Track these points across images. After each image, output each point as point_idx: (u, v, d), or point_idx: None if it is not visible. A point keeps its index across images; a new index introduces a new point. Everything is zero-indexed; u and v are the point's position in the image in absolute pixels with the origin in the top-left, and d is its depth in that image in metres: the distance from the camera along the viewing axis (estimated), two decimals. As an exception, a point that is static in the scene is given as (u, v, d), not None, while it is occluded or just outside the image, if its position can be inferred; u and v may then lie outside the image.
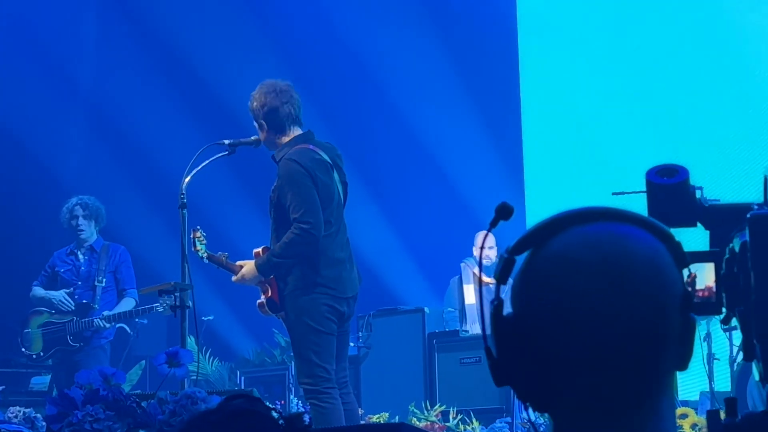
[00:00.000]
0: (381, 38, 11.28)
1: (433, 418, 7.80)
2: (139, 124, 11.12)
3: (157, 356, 4.04)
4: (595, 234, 1.31)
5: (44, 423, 4.45)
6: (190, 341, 6.77)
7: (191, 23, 11.37)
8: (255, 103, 5.30)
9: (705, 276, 1.58)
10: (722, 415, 1.44)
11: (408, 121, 11.26)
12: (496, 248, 9.29)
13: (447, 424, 7.77)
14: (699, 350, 6.91)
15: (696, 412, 6.68)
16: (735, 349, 6.87)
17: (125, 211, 9.83)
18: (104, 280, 7.65)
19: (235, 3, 11.70)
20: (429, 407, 7.92)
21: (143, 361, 9.09)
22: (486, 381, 6.62)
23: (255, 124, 5.37)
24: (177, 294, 5.18)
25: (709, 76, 9.87)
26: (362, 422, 6.63)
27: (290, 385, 8.92)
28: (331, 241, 5.19)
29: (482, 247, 9.16)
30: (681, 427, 6.41)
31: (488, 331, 1.35)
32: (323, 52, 11.58)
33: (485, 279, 9.24)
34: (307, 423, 1.55)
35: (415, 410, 7.90)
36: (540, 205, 10.88)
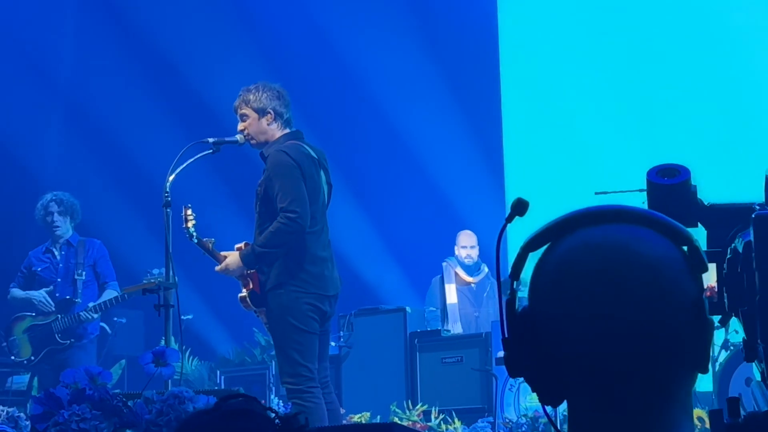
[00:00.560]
0: (362, 37, 11.28)
1: (415, 418, 7.81)
2: (119, 122, 11.07)
3: (143, 355, 4.03)
4: (601, 237, 1.31)
5: (28, 422, 4.43)
6: (171, 340, 6.75)
7: (173, 20, 11.34)
8: (247, 104, 5.31)
9: (707, 276, 1.59)
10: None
11: (389, 120, 11.27)
12: (478, 248, 9.32)
13: (429, 423, 7.78)
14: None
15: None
16: (717, 349, 6.91)
17: (107, 209, 9.81)
18: (84, 273, 7.59)
19: (217, 0, 11.69)
20: (411, 407, 7.93)
21: (123, 360, 9.07)
22: (467, 380, 6.67)
23: (243, 118, 5.35)
24: (161, 293, 5.17)
25: (692, 74, 9.92)
26: (344, 422, 6.63)
27: (271, 385, 8.92)
28: (316, 238, 5.20)
29: (464, 246, 9.28)
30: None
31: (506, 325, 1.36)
32: (306, 52, 11.58)
33: (466, 278, 9.27)
34: (303, 423, 1.55)
35: (396, 410, 7.91)
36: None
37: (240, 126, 5.39)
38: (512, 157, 11.10)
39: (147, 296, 5.26)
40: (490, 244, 10.09)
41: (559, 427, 1.44)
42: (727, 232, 1.65)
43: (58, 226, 7.66)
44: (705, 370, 1.30)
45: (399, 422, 7.52)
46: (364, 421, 7.60)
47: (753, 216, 1.45)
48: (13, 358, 7.52)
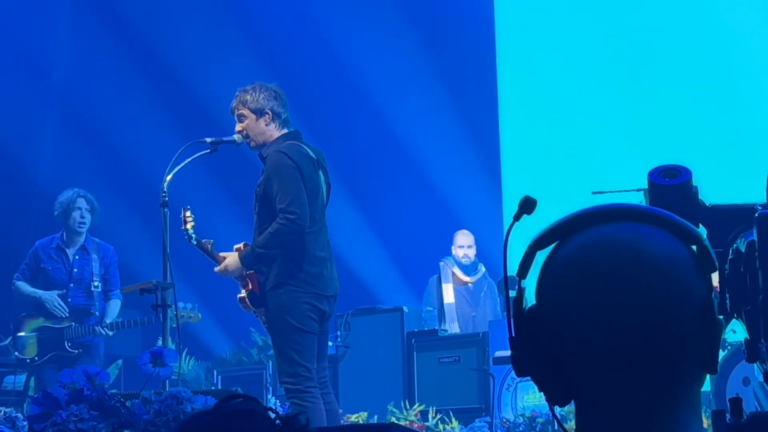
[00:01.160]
0: (359, 37, 11.28)
1: (412, 418, 7.81)
2: (116, 121, 11.06)
3: (141, 355, 4.02)
4: (610, 235, 1.30)
5: (25, 423, 4.42)
6: (168, 340, 6.74)
7: (169, 20, 11.33)
8: (243, 105, 5.31)
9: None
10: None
11: (386, 120, 11.27)
12: (475, 247, 9.33)
13: (426, 423, 7.78)
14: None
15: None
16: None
17: (103, 209, 9.75)
18: (99, 284, 7.54)
19: (214, 0, 11.68)
20: (408, 407, 7.93)
21: (120, 360, 9.06)
22: (465, 380, 6.66)
23: (240, 119, 5.35)
24: (158, 293, 5.16)
25: (690, 73, 9.91)
26: (341, 422, 6.63)
27: (268, 385, 8.92)
28: (314, 238, 5.20)
29: (461, 246, 9.28)
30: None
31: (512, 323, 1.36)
32: (303, 52, 11.58)
33: (463, 278, 9.28)
34: (304, 423, 1.55)
35: (393, 410, 7.91)
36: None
37: (238, 127, 5.39)
38: (509, 157, 11.10)
39: (144, 296, 5.24)
40: (487, 244, 10.09)
41: (558, 428, 1.44)
42: (728, 232, 1.65)
43: (84, 224, 7.55)
44: (714, 371, 1.29)
45: (396, 422, 7.52)
46: (361, 421, 7.60)
47: (756, 216, 1.45)
48: (17, 354, 7.40)
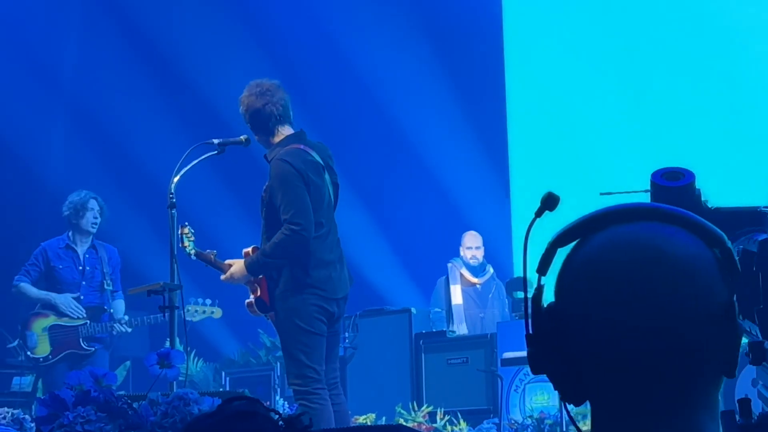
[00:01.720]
0: (367, 37, 11.27)
1: (420, 419, 7.80)
2: (124, 123, 11.07)
3: (148, 357, 4.02)
4: (632, 235, 1.28)
5: (33, 424, 4.42)
6: (176, 342, 6.75)
7: (178, 21, 11.34)
8: (241, 107, 5.31)
9: None
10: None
11: (394, 120, 11.26)
12: (483, 248, 9.31)
13: (434, 425, 7.77)
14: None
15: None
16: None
17: (111, 210, 9.76)
18: (111, 283, 7.57)
19: (221, 1, 11.68)
20: (416, 408, 7.91)
21: (128, 362, 9.06)
22: (473, 381, 6.64)
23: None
24: (166, 294, 5.16)
25: (699, 75, 9.89)
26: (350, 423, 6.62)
27: (275, 386, 8.91)
28: (321, 242, 5.19)
29: (469, 247, 9.27)
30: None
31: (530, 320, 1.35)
32: (310, 51, 11.57)
33: (471, 279, 9.26)
34: (307, 424, 1.54)
35: (402, 411, 7.90)
36: (526, 205, 10.90)
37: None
38: (517, 158, 11.09)
39: (152, 297, 5.23)
40: (495, 245, 10.08)
41: (571, 427, 1.43)
42: (731, 235, 1.63)
43: (96, 224, 7.60)
44: (732, 375, 1.27)
45: (404, 423, 7.50)
46: (369, 423, 7.59)
47: None
48: (29, 354, 7.36)
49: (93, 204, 7.60)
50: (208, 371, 9.92)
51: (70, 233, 7.65)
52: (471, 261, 9.24)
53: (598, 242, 1.30)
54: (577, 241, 1.33)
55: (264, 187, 5.23)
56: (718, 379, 1.28)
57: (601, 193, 7.18)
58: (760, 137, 9.54)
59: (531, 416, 7.39)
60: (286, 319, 5.14)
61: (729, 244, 1.29)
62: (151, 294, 5.22)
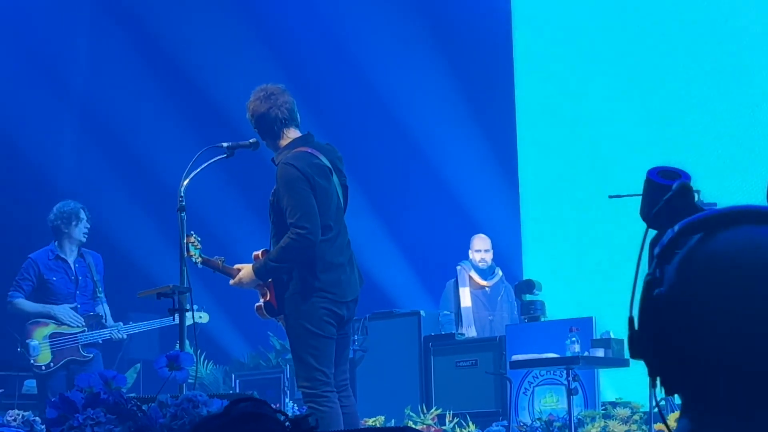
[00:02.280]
0: (376, 40, 11.28)
1: (429, 422, 7.80)
2: (133, 126, 11.09)
3: (157, 359, 4.02)
4: (765, 237, 1.27)
5: (43, 426, 4.43)
6: (186, 344, 6.76)
7: (187, 25, 11.35)
8: (247, 112, 5.32)
9: None
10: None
11: (403, 123, 11.27)
12: (492, 251, 9.30)
13: (443, 427, 7.76)
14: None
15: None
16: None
17: (121, 214, 9.81)
18: (102, 291, 7.58)
19: (230, 4, 11.69)
20: (425, 410, 7.91)
21: (138, 364, 9.07)
22: (482, 384, 6.62)
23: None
24: (175, 297, 5.16)
25: (708, 73, 9.87)
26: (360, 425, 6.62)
27: (285, 389, 8.91)
28: (330, 245, 5.18)
29: (478, 250, 9.25)
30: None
31: (636, 303, 1.33)
32: (319, 54, 11.58)
33: (480, 282, 9.25)
34: (313, 425, 1.54)
35: (411, 413, 7.89)
36: (535, 207, 10.89)
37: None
38: (526, 160, 11.08)
39: (161, 300, 5.24)
40: (504, 248, 10.07)
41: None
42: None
43: (86, 234, 7.60)
44: None
45: (413, 426, 7.50)
46: (378, 425, 7.59)
47: None
48: (32, 362, 7.35)
49: (83, 213, 7.60)
50: (218, 374, 9.93)
51: (56, 243, 7.60)
52: (480, 264, 9.22)
53: (733, 239, 1.27)
54: (700, 234, 1.31)
55: (272, 191, 5.23)
56: None
57: (610, 196, 7.17)
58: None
59: (540, 419, 7.38)
60: (296, 323, 5.14)
61: None
62: (160, 297, 5.22)
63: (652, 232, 1.47)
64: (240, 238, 8.76)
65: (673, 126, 9.96)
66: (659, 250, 1.32)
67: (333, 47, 11.49)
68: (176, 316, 5.16)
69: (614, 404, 7.61)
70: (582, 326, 7.50)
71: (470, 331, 8.91)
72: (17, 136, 10.52)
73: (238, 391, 8.98)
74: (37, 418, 4.57)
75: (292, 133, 5.30)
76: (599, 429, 7.11)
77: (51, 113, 11.01)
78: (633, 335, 1.33)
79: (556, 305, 9.15)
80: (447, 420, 7.80)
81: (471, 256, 9.29)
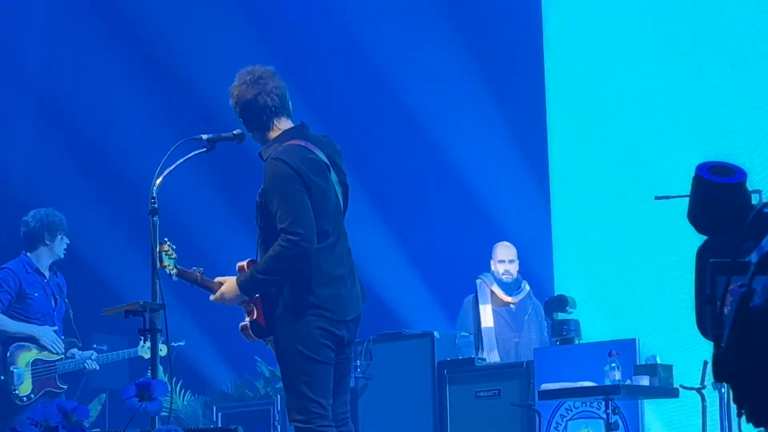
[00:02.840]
0: (389, 29, 11.35)
1: (445, 462, 7.79)
2: (98, 117, 11.10)
3: (125, 388, 4.01)
4: None
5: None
6: (159, 371, 6.75)
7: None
8: (231, 99, 5.32)
9: None
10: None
11: (415, 115, 11.30)
12: (517, 262, 9.29)
13: (461, 468, 7.76)
14: None
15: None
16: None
17: (84, 219, 9.79)
18: (72, 313, 7.62)
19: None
20: (439, 448, 7.91)
21: (103, 395, 9.06)
22: (506, 417, 6.62)
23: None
24: (146, 315, 5.15)
25: (752, 71, 9.92)
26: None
27: (275, 423, 8.92)
28: (328, 254, 5.17)
29: (501, 261, 9.25)
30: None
31: (706, 319, 1.32)
32: (317, 34, 11.61)
33: (504, 298, 9.24)
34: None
35: (423, 452, 7.90)
36: (568, 211, 10.90)
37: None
38: (558, 158, 11.11)
39: (130, 319, 5.24)
40: (533, 258, 10.06)
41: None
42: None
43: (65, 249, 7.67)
44: None
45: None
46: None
47: None
48: (15, 392, 7.36)
49: (64, 224, 7.66)
50: (197, 405, 9.93)
51: (33, 255, 7.63)
52: (503, 276, 9.21)
53: None
54: None
55: (259, 191, 5.22)
56: None
57: (657, 197, 7.19)
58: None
59: (574, 458, 7.38)
60: (287, 345, 5.13)
61: None
62: (129, 314, 5.21)
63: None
64: (222, 247, 8.75)
65: (717, 122, 10.00)
66: (758, 259, 1.31)
67: (334, 25, 11.52)
68: (147, 338, 5.15)
69: (661, 441, 7.62)
70: (623, 350, 7.49)
71: (492, 356, 8.90)
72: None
73: (220, 425, 8.98)
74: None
75: (283, 124, 5.30)
76: (644, 470, 7.11)
77: (3, 104, 11.01)
78: (720, 355, 1.32)
79: (593, 325, 9.15)
80: (465, 460, 7.81)
81: (493, 267, 9.28)
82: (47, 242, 7.60)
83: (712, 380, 6.50)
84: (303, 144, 5.22)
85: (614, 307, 10.09)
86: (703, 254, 1.49)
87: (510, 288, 9.26)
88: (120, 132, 10.83)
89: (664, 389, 7.33)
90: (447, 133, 11.29)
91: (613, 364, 7.21)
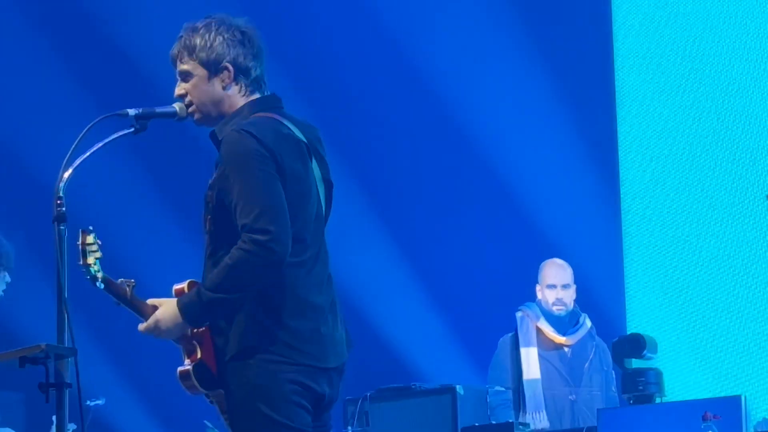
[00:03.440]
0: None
1: None
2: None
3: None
4: None
5: None
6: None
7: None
8: (198, 40, 5.31)
9: None
10: None
11: (440, 103, 11.49)
12: (574, 287, 9.31)
13: None
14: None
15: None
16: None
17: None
18: None
19: None
20: None
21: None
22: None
23: (184, 76, 5.35)
24: (50, 364, 5.15)
25: None
26: None
27: None
28: (305, 273, 5.13)
29: (551, 286, 9.26)
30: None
31: None
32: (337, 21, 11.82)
33: (556, 338, 9.25)
34: None
35: None
36: (643, 226, 10.99)
37: (179, 89, 5.39)
38: (629, 163, 11.29)
39: (28, 369, 5.24)
40: (595, 284, 10.09)
41: None
42: None
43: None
44: None
45: None
46: None
47: None
48: None
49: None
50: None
51: None
52: (555, 308, 9.24)
53: None
54: None
55: (209, 182, 5.21)
56: None
57: (768, 196, 7.26)
58: None
59: None
60: (246, 405, 5.10)
61: None
62: (25, 363, 5.21)
63: None
64: (154, 262, 8.76)
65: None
66: None
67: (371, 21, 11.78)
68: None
69: None
70: (724, 411, 7.53)
71: (539, 419, 8.93)
72: None
73: None
74: None
75: (254, 96, 5.33)
76: None
77: None
78: None
79: (680, 377, 9.18)
80: None
81: (540, 295, 9.31)
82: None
83: None
84: (275, 117, 5.23)
85: (710, 352, 10.13)
86: None
87: (564, 324, 9.29)
88: (14, 105, 10.86)
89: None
90: (479, 127, 11.49)
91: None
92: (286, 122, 5.23)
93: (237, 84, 5.33)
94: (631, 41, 11.83)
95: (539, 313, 9.27)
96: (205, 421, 9.75)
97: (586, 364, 9.24)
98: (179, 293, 5.21)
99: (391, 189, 11.43)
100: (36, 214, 6.12)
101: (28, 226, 9.37)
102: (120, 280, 5.26)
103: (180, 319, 5.14)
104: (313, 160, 5.27)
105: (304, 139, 5.23)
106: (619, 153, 11.40)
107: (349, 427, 8.70)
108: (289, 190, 5.08)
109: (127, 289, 5.25)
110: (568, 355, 9.26)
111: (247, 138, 5.07)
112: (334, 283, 5.32)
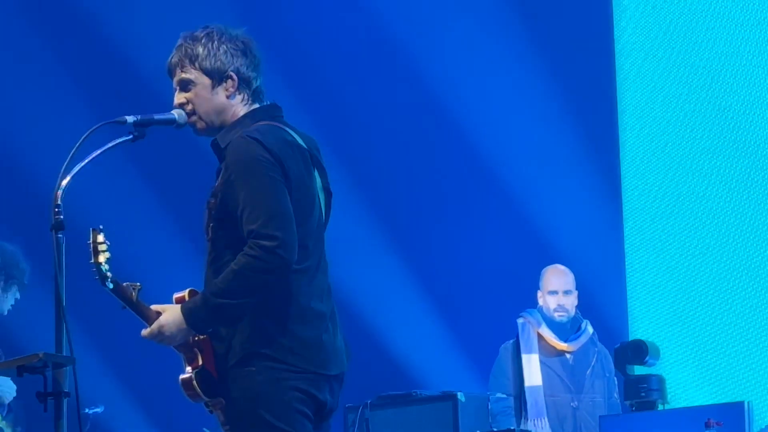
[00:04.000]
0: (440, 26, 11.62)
1: None
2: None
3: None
4: None
5: None
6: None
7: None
8: (200, 49, 5.31)
9: None
10: None
11: (444, 107, 11.49)
12: (576, 293, 9.30)
13: None
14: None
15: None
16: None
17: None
18: None
19: None
20: None
21: None
22: None
23: (185, 85, 5.35)
24: (48, 373, 5.14)
25: None
26: None
27: None
28: (308, 280, 5.15)
29: (553, 292, 9.25)
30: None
31: None
32: (332, 19, 11.82)
33: (557, 344, 9.24)
34: None
35: None
36: (644, 229, 10.99)
37: (179, 98, 5.39)
38: (631, 166, 11.30)
39: (26, 378, 5.23)
40: (597, 290, 10.08)
41: None
42: None
43: None
44: None
45: None
46: None
47: None
48: None
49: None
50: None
51: None
52: (556, 314, 9.24)
53: None
54: None
55: (212, 190, 5.21)
56: None
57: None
58: None
59: None
60: (248, 413, 5.10)
61: None
62: (24, 372, 5.20)
63: None
64: (153, 270, 8.74)
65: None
66: None
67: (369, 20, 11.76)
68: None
69: None
70: (727, 417, 7.52)
71: (541, 426, 8.92)
72: None
73: None
74: None
75: (254, 105, 5.36)
76: None
77: None
78: None
79: (683, 383, 9.16)
80: None
81: (542, 301, 9.32)
82: (16, 281, 7.98)
83: None
84: (278, 125, 5.24)
85: (713, 358, 10.12)
86: None
87: (565, 331, 9.29)
88: (11, 111, 10.85)
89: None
90: (480, 130, 11.49)
91: (713, 439, 7.24)
92: (289, 131, 5.25)
93: (240, 93, 5.35)
94: (632, 44, 11.87)
95: (541, 319, 9.27)
96: (204, 429, 9.76)
97: (588, 371, 9.23)
98: (180, 300, 5.22)
99: (391, 196, 11.43)
100: (34, 222, 6.08)
101: (26, 234, 9.35)
102: (126, 283, 5.26)
103: (184, 325, 5.15)
104: (316, 170, 5.29)
105: (306, 147, 5.26)
106: (621, 159, 11.43)
107: (349, 435, 8.71)
108: (295, 197, 5.10)
109: (133, 292, 5.25)
110: (570, 362, 9.25)
111: (253, 145, 5.10)
112: (333, 292, 5.33)
